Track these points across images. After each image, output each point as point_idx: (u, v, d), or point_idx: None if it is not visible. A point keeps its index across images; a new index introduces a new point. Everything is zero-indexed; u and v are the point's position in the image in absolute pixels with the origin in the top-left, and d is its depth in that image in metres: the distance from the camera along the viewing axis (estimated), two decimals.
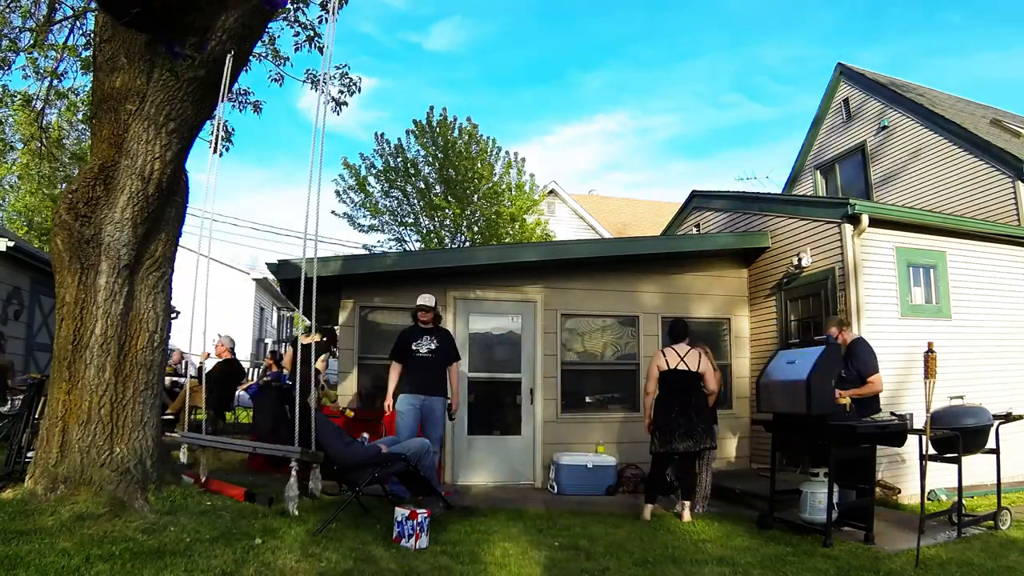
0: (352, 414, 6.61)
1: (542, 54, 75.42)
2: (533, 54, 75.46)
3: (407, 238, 16.78)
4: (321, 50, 7.84)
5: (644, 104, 78.54)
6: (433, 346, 5.96)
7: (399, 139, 16.45)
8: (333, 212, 16.76)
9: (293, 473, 4.07)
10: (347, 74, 8.17)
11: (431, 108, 16.50)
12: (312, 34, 7.80)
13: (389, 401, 5.88)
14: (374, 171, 16.50)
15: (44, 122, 9.17)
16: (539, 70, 74.54)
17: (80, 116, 11.32)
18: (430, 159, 16.35)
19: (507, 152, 16.84)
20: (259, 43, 7.05)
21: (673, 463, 5.89)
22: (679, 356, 5.73)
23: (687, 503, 5.67)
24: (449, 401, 6.04)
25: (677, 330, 6.02)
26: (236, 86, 7.73)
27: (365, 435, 5.46)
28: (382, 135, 16.58)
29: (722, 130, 76.49)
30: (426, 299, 6.10)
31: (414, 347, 5.93)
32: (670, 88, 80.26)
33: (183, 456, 4.76)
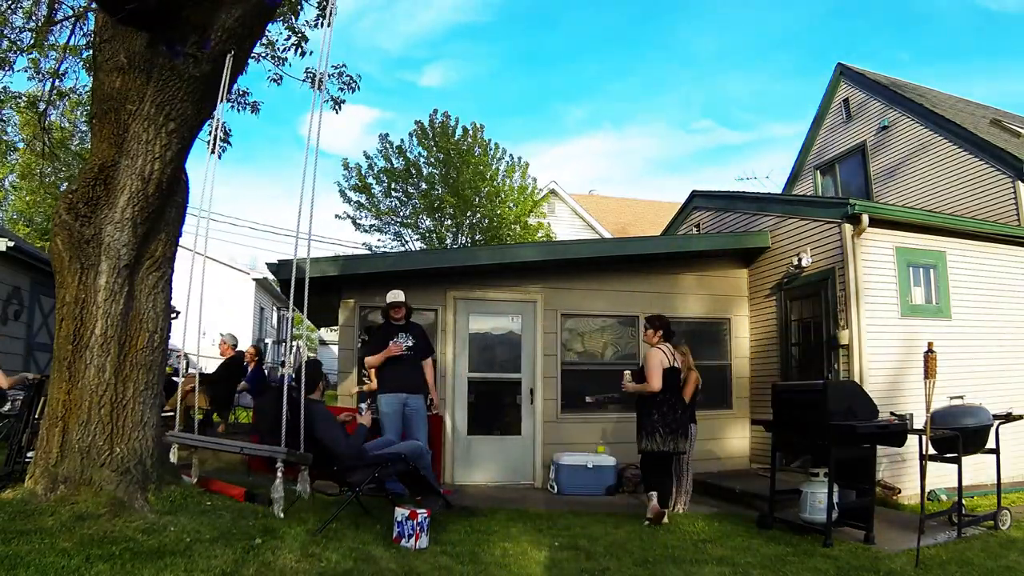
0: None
1: (527, 89, 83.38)
2: (518, 89, 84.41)
3: (408, 238, 16.79)
4: (303, 55, 7.90)
5: (623, 130, 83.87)
6: (411, 343, 5.96)
7: (402, 140, 16.49)
8: (336, 216, 16.78)
9: (279, 474, 4.06)
10: (345, 72, 8.19)
11: (434, 111, 16.51)
12: (300, 38, 7.83)
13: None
14: (375, 171, 16.51)
15: (46, 122, 9.18)
16: (524, 103, 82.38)
17: (80, 114, 11.33)
18: (432, 160, 16.36)
19: (511, 155, 16.85)
20: (258, 44, 7.08)
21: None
22: (672, 354, 5.74)
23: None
24: (430, 397, 6.06)
25: (661, 325, 5.87)
26: (235, 87, 7.76)
27: (362, 406, 5.41)
28: (386, 135, 16.61)
29: (697, 152, 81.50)
30: (396, 295, 6.09)
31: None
32: (646, 116, 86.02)
33: (173, 456, 4.76)
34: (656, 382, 5.57)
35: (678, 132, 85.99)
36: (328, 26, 4.61)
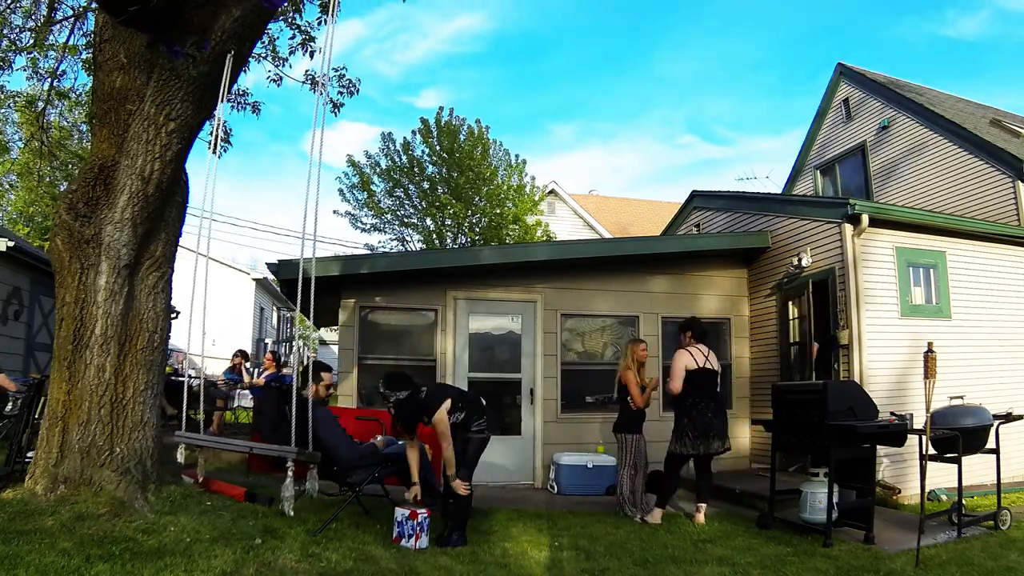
0: None
1: (517, 108, 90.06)
2: (509, 108, 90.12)
3: (408, 238, 16.77)
4: (312, 55, 7.87)
5: (612, 146, 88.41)
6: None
7: (405, 138, 16.45)
8: (335, 212, 16.78)
9: (289, 473, 4.07)
10: (345, 75, 8.19)
11: (440, 108, 16.42)
12: (307, 38, 7.82)
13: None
14: (379, 170, 16.49)
15: (44, 121, 9.17)
16: (516, 120, 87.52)
17: (78, 115, 11.32)
18: (435, 159, 16.33)
19: (516, 156, 16.83)
20: (259, 44, 7.07)
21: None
22: (704, 355, 5.67)
23: (703, 505, 5.62)
24: None
25: (698, 329, 5.90)
26: (235, 87, 7.77)
27: (378, 436, 5.41)
28: (389, 134, 16.55)
29: (684, 166, 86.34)
30: None
31: None
32: (632, 133, 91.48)
33: (180, 456, 4.76)
34: (675, 384, 5.62)
35: (664, 147, 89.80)
36: (332, 21, 4.61)
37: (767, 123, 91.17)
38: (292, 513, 4.21)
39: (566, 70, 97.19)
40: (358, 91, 8.26)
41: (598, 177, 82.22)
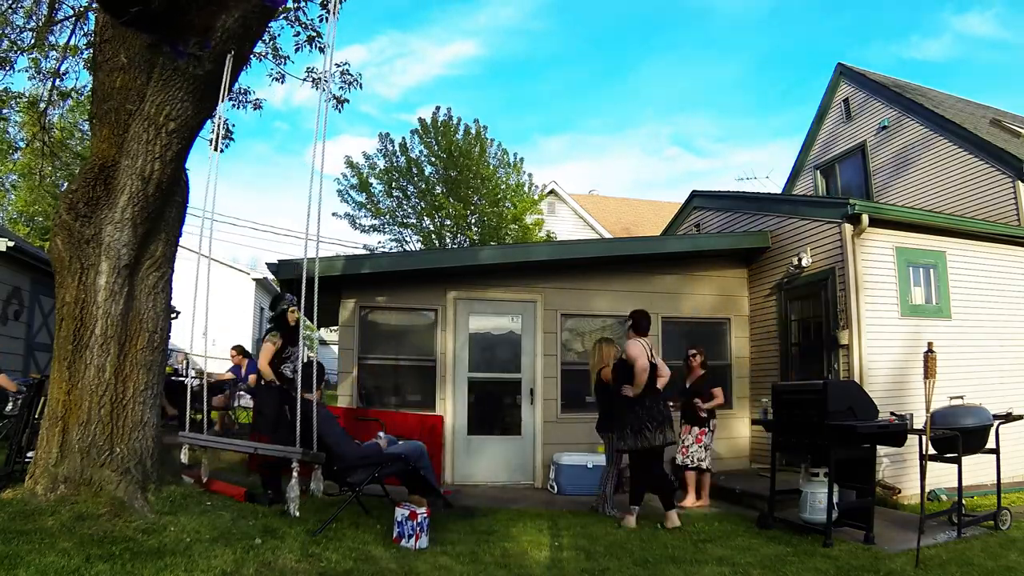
0: None
1: (510, 126, 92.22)
2: (502, 126, 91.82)
3: (408, 239, 16.77)
4: (322, 50, 7.87)
5: (602, 159, 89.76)
6: None
7: (403, 138, 16.44)
8: (334, 214, 16.78)
9: (294, 474, 4.07)
10: (347, 71, 8.21)
11: (436, 108, 16.39)
12: (313, 34, 7.82)
13: None
14: (376, 171, 16.48)
15: (46, 122, 9.18)
16: (508, 134, 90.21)
17: (80, 115, 11.32)
18: (433, 159, 16.32)
19: (515, 154, 16.82)
20: (260, 42, 7.08)
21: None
22: (650, 347, 5.67)
23: (637, 508, 5.41)
24: None
25: (645, 322, 5.78)
26: (236, 85, 7.77)
27: (381, 434, 5.40)
28: (387, 135, 16.54)
29: (672, 176, 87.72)
30: None
31: None
32: (620, 146, 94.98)
33: (184, 456, 4.76)
34: (641, 377, 5.43)
35: (653, 159, 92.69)
36: (332, 18, 4.62)
37: (749, 137, 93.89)
38: (298, 513, 4.21)
39: (556, 91, 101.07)
40: (361, 86, 8.31)
41: (596, 179, 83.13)
